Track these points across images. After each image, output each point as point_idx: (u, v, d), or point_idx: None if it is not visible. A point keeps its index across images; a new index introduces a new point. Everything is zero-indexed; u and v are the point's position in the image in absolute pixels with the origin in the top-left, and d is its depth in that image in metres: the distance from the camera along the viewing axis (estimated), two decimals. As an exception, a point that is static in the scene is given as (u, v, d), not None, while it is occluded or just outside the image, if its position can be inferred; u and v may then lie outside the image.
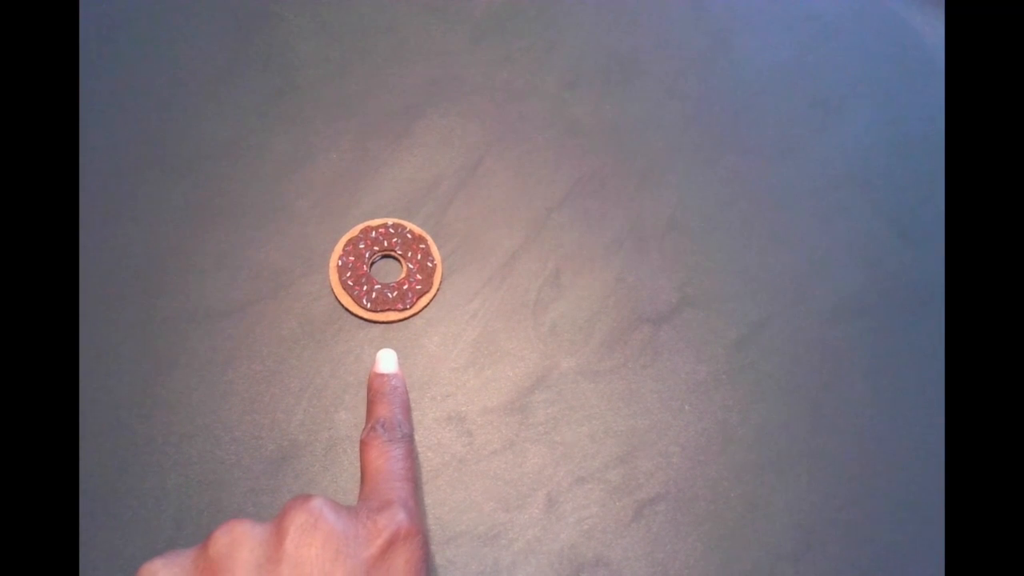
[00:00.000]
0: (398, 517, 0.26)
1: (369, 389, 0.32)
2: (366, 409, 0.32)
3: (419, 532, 0.26)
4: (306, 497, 0.25)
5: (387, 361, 0.33)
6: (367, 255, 0.38)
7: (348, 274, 0.37)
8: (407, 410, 0.32)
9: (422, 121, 0.42)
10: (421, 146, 0.42)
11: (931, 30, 0.48)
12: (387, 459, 0.28)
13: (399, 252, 0.38)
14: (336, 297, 0.37)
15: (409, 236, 0.38)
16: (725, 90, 0.45)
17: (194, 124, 0.41)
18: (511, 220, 0.40)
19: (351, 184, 0.40)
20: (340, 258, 0.38)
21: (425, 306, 0.38)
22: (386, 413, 0.31)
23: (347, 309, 0.37)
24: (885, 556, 0.34)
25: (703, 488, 0.35)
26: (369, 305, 0.37)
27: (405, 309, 0.37)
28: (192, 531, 0.33)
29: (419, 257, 0.38)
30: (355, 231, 0.38)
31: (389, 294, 0.37)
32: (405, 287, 0.37)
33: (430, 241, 0.39)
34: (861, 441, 0.36)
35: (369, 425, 0.30)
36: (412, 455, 0.30)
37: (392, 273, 0.38)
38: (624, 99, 0.44)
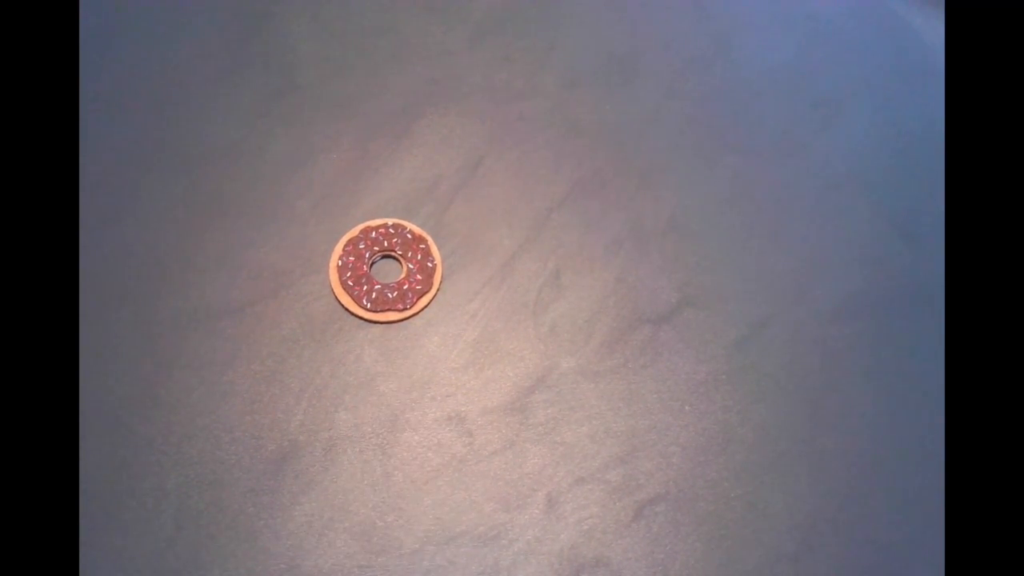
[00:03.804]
0: None
1: None
2: None
3: None
4: None
5: None
6: (367, 255, 0.38)
7: (348, 274, 0.37)
8: None
9: (422, 121, 0.42)
10: (421, 146, 0.42)
11: (931, 30, 0.48)
12: None
13: (399, 252, 0.38)
14: (336, 297, 0.37)
15: (409, 236, 0.38)
16: (725, 90, 0.45)
17: (194, 124, 0.41)
18: (511, 220, 0.40)
19: (351, 184, 0.40)
20: (340, 258, 0.38)
21: (425, 306, 0.38)
22: None
23: (347, 309, 0.37)
24: (885, 556, 0.34)
25: (703, 488, 0.35)
26: (369, 305, 0.37)
27: (405, 309, 0.37)
28: (192, 531, 0.33)
29: (419, 257, 0.38)
30: (355, 231, 0.38)
31: (389, 294, 0.37)
32: (405, 287, 0.37)
33: (430, 241, 0.39)
34: (861, 441, 0.36)
35: None
36: None
37: (392, 273, 0.38)
38: (624, 99, 0.44)
